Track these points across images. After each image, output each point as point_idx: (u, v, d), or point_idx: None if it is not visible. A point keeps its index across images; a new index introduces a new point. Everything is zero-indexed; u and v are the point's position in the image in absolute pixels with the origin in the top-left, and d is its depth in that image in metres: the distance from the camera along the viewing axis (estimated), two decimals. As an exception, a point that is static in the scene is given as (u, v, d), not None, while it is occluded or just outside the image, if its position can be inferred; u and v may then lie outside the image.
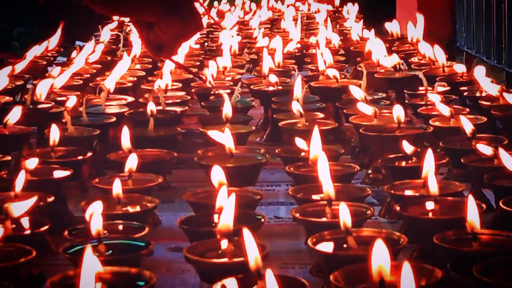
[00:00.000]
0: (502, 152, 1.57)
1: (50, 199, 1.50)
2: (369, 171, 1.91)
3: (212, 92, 2.30)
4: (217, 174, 1.50)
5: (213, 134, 1.73)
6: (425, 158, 1.52)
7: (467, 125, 1.77)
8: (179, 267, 1.49)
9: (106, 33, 3.24)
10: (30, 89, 2.16)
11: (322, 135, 1.88)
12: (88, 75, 2.48)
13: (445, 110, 1.95)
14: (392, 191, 1.54)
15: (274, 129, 2.17)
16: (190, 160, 1.91)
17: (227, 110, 1.93)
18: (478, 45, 4.02)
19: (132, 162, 1.61)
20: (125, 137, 1.74)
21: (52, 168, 1.66)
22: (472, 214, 1.27)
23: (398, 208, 1.43)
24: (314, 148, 1.65)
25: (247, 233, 1.18)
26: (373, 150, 1.86)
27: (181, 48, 2.75)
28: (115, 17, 3.53)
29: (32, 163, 1.57)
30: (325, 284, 1.36)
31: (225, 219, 1.27)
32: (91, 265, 1.16)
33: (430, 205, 1.43)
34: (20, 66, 2.47)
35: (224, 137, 1.72)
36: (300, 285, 1.16)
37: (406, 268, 1.07)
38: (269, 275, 1.09)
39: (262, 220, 1.44)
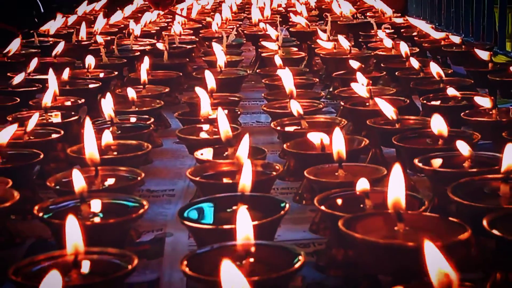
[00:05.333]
0: (432, 64, 1.54)
1: (81, 101, 1.47)
2: (330, 89, 1.86)
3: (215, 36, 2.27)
4: (208, 82, 1.47)
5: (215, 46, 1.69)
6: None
7: (403, 48, 1.74)
8: (181, 154, 1.47)
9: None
10: (75, 31, 2.13)
11: (295, 62, 1.86)
12: (123, 25, 2.44)
13: (388, 43, 1.91)
14: (341, 94, 1.50)
15: (261, 63, 2.12)
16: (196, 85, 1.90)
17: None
18: (425, 12, 3.96)
19: (144, 75, 1.57)
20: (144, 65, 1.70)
21: (87, 82, 1.63)
22: (389, 107, 1.24)
23: (343, 103, 1.39)
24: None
25: (221, 113, 1.15)
26: (332, 71, 1.81)
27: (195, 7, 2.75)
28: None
29: (66, 74, 1.53)
30: (287, 162, 1.33)
31: (205, 107, 1.24)
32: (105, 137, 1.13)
33: (367, 102, 1.39)
34: (71, 19, 2.43)
35: (218, 56, 1.69)
36: (260, 151, 1.13)
37: (337, 134, 1.04)
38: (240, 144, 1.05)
39: (238, 112, 1.40)
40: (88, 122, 1.07)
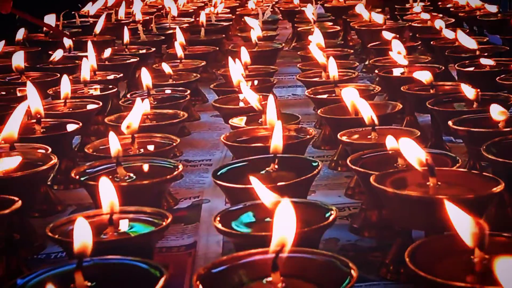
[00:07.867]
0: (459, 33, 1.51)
1: (119, 75, 1.47)
2: (366, 63, 1.84)
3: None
4: (242, 55, 1.46)
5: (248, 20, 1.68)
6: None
7: (438, 23, 1.71)
8: (218, 126, 1.47)
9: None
10: (114, 11, 2.13)
11: (330, 37, 1.84)
12: (160, 6, 2.44)
13: (425, 16, 1.89)
14: (375, 63, 1.48)
15: (298, 39, 2.11)
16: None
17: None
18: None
19: (180, 51, 1.57)
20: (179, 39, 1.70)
21: (125, 58, 1.63)
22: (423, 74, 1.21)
23: (376, 71, 1.37)
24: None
25: (244, 87, 1.14)
26: (367, 44, 1.79)
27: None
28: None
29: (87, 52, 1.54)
30: (323, 130, 1.32)
31: (237, 75, 1.23)
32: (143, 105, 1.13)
33: (401, 70, 1.37)
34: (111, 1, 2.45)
35: (253, 33, 1.68)
36: (294, 117, 1.12)
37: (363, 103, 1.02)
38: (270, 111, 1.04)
39: (274, 81, 1.39)
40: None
